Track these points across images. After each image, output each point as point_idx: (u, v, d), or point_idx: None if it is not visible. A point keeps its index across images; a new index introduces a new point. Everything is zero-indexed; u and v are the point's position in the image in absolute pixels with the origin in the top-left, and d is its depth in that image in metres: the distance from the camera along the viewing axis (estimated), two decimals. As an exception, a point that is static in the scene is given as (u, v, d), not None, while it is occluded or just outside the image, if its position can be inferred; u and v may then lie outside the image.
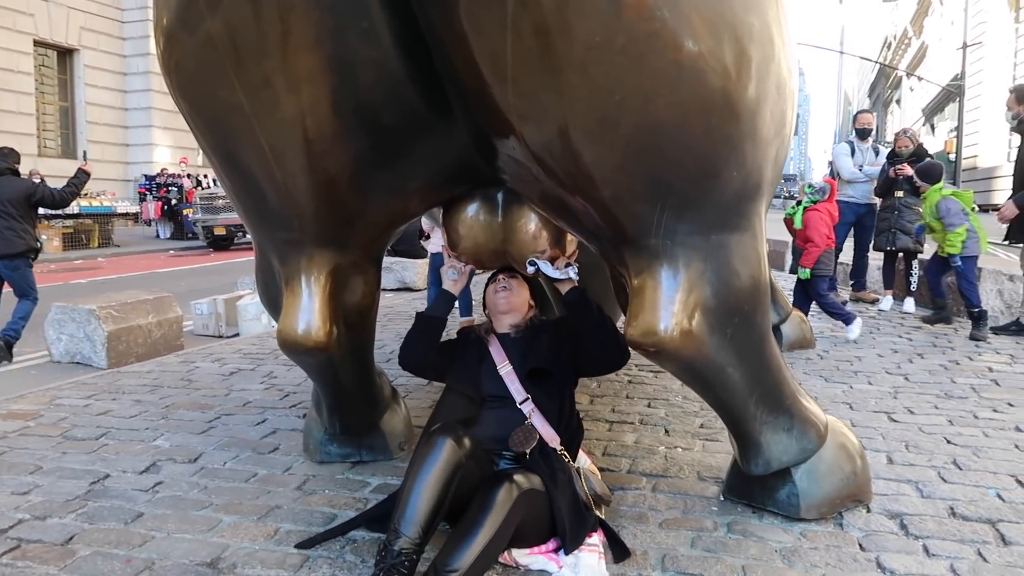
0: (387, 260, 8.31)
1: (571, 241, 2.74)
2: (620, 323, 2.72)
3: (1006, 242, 6.53)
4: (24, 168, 6.64)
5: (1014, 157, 5.83)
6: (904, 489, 2.86)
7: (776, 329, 4.98)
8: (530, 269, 2.63)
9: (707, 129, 1.91)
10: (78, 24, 21.35)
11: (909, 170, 6.42)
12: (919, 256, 6.88)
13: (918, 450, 3.28)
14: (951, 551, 2.38)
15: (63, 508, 2.75)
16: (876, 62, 43.05)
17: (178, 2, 1.97)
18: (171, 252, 17.08)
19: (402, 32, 1.94)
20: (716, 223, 2.14)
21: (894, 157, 6.84)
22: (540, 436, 2.43)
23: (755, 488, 2.66)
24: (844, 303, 7.11)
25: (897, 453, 3.24)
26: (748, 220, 2.23)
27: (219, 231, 16.76)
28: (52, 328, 5.87)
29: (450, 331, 2.92)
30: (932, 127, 35.58)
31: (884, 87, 52.39)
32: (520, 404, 2.51)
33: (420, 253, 8.83)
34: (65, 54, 21.51)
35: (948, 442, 3.38)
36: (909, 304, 6.87)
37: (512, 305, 2.72)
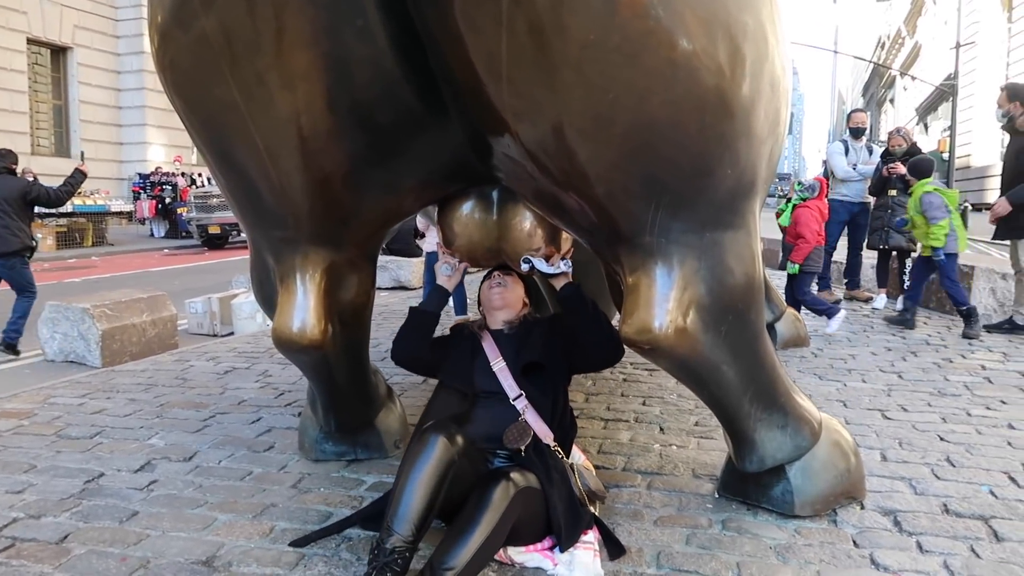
0: (382, 259, 8.29)
1: (566, 239, 2.75)
2: (615, 321, 2.72)
3: (995, 241, 6.56)
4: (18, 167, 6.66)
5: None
6: (898, 486, 2.87)
7: (770, 327, 4.99)
8: (524, 267, 2.64)
9: (701, 127, 1.91)
10: (72, 22, 21.27)
11: (902, 169, 6.44)
12: (912, 254, 6.91)
13: (911, 447, 3.29)
14: (944, 547, 2.40)
15: (57, 507, 2.75)
16: (870, 61, 43.15)
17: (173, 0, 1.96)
18: (165, 251, 17.03)
19: (397, 30, 1.94)
20: (710, 221, 2.15)
21: (888, 156, 6.87)
22: (534, 433, 2.43)
23: (750, 485, 2.67)
24: (838, 302, 7.14)
25: (891, 450, 3.26)
26: (742, 218, 2.24)
27: (213, 230, 16.71)
28: (46, 327, 5.85)
29: (444, 330, 2.92)
30: (925, 126, 35.69)
31: (878, 86, 52.55)
32: (513, 400, 2.51)
33: (415, 252, 8.83)
34: (59, 52, 21.42)
35: (941, 439, 3.40)
36: (903, 302, 6.89)
37: (506, 301, 2.72)
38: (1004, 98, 5.66)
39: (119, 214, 19.28)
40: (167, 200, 19.55)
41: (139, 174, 20.75)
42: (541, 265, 2.62)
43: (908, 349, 5.29)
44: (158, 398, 4.21)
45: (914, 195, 5.97)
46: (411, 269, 9.33)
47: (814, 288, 7.03)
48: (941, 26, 31.40)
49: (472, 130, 2.16)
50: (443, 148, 2.31)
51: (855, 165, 7.19)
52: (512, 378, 2.55)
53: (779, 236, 6.64)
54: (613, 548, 2.35)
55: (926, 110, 35.38)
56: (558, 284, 2.67)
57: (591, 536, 2.34)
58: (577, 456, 2.79)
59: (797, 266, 5.72)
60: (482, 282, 2.84)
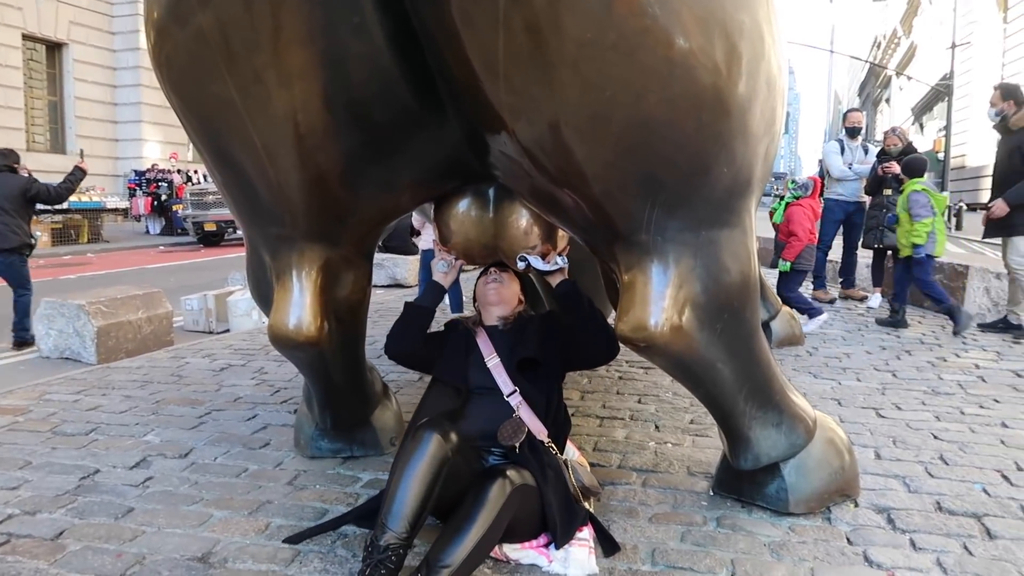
0: (378, 256, 8.30)
1: (562, 237, 2.75)
2: (611, 319, 2.73)
3: (985, 240, 6.59)
4: (12, 163, 6.68)
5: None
6: (891, 484, 2.89)
7: (766, 325, 5.01)
8: (520, 265, 2.64)
9: (698, 126, 1.92)
10: (67, 18, 21.20)
11: (897, 168, 6.46)
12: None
13: (905, 445, 3.31)
14: (937, 545, 2.41)
15: (53, 503, 2.75)
16: (866, 61, 43.18)
17: (169, -4, 1.96)
18: (161, 248, 17.00)
19: (394, 28, 1.94)
20: (706, 219, 2.16)
21: (884, 155, 6.89)
22: (528, 430, 2.43)
23: (744, 483, 2.68)
24: (833, 301, 7.17)
25: (885, 448, 3.27)
26: (738, 216, 2.25)
27: (209, 227, 16.67)
28: (41, 323, 5.84)
29: (439, 327, 2.92)
30: (921, 126, 35.77)
31: (874, 86, 52.63)
32: (508, 397, 2.51)
33: (411, 249, 8.83)
34: (54, 48, 21.36)
35: (935, 438, 3.41)
36: (891, 304, 6.92)
37: (502, 297, 2.73)
38: (998, 96, 5.66)
39: (115, 211, 19.25)
40: (163, 197, 19.49)
41: (135, 171, 20.68)
42: (537, 263, 2.63)
43: (902, 348, 5.31)
44: (154, 395, 4.20)
45: (903, 193, 6.01)
46: (407, 267, 9.33)
47: (809, 287, 7.07)
48: (937, 26, 31.46)
49: (469, 128, 2.16)
50: (440, 146, 2.31)
51: (851, 164, 7.21)
52: (506, 374, 2.55)
53: (773, 235, 6.66)
54: (608, 545, 2.36)
55: (922, 110, 35.46)
56: (554, 281, 2.68)
57: (586, 533, 2.35)
58: (571, 452, 2.79)
59: (789, 264, 5.74)
60: (478, 278, 2.85)
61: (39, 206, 7.08)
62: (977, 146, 26.29)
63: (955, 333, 5.70)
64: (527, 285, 2.98)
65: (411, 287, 8.99)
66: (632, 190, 2.03)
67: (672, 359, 2.29)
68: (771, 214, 6.12)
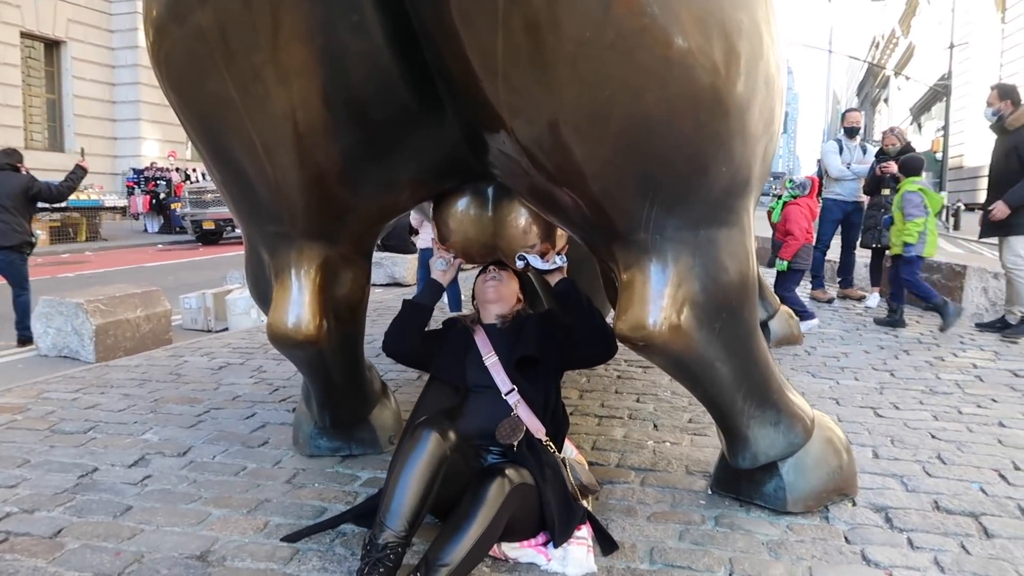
0: (377, 255, 8.30)
1: (561, 236, 2.75)
2: (609, 318, 2.73)
3: (982, 240, 6.60)
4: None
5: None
6: (889, 483, 2.89)
7: (764, 325, 5.01)
8: (519, 264, 2.64)
9: (696, 125, 1.92)
10: (65, 16, 21.17)
11: (895, 168, 6.47)
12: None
13: (903, 445, 3.31)
14: (935, 544, 2.42)
15: (51, 501, 2.75)
16: (864, 61, 43.27)
17: (168, -6, 1.96)
18: (159, 246, 16.98)
19: (393, 26, 1.94)
20: (705, 218, 2.16)
21: (882, 155, 6.90)
22: (527, 428, 2.44)
23: (742, 482, 2.69)
24: (831, 300, 7.18)
25: (882, 448, 3.28)
26: (736, 216, 2.25)
27: (208, 225, 16.65)
28: (39, 322, 5.84)
29: (437, 326, 2.92)
30: (919, 126, 35.82)
31: (872, 86, 52.66)
32: (506, 395, 2.51)
33: (410, 248, 8.83)
34: (52, 46, 21.32)
35: (933, 437, 3.42)
36: (888, 304, 6.93)
37: (500, 295, 2.73)
38: (995, 96, 5.66)
39: (113, 209, 19.19)
40: (161, 195, 19.46)
41: (133, 169, 20.65)
42: (536, 262, 2.63)
43: (900, 347, 5.32)
44: (152, 393, 4.20)
45: (899, 192, 6.04)
46: (406, 265, 9.33)
47: (808, 286, 7.07)
48: (935, 26, 31.49)
49: (468, 126, 2.16)
50: (439, 144, 2.31)
51: (849, 164, 7.21)
52: (504, 373, 2.55)
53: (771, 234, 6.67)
54: (606, 544, 2.36)
55: (920, 110, 35.51)
56: (553, 280, 2.68)
57: (584, 531, 2.35)
58: (569, 450, 2.80)
59: (786, 263, 5.75)
60: (477, 276, 2.85)
61: (40, 204, 7.10)
62: (975, 146, 26.32)
63: (941, 329, 5.74)
64: (526, 284, 2.98)
65: (410, 286, 8.99)
66: (630, 189, 2.04)
67: (670, 358, 2.30)
68: (769, 213, 6.13)
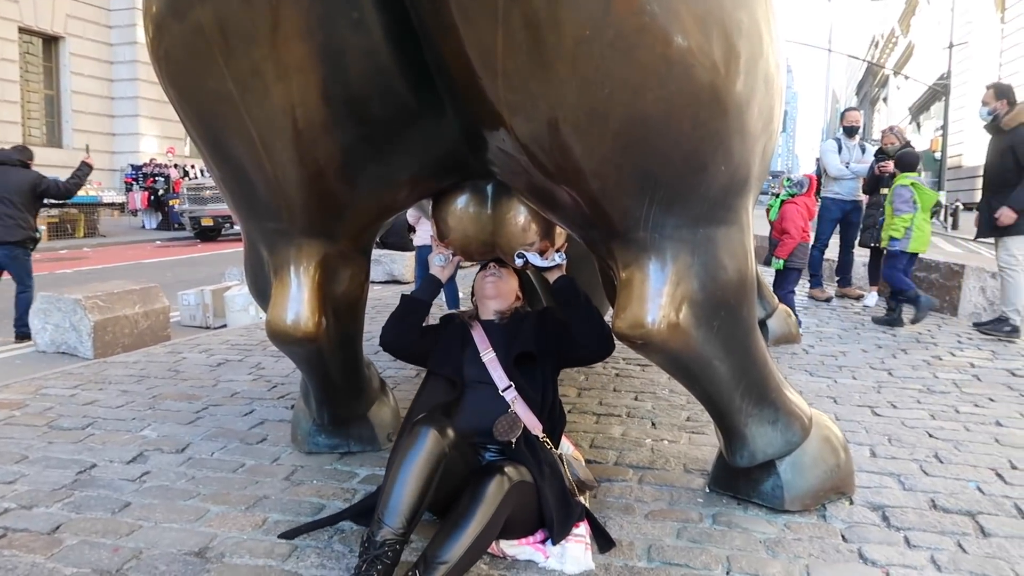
0: (376, 253, 8.28)
1: (560, 234, 2.75)
2: (608, 317, 2.73)
3: (978, 239, 6.63)
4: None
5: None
6: (886, 482, 2.90)
7: (762, 323, 5.02)
8: (518, 261, 2.64)
9: (695, 124, 1.92)
10: (64, 11, 21.11)
11: (893, 167, 6.48)
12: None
13: (900, 444, 3.32)
14: (932, 542, 2.42)
15: (49, 497, 2.75)
16: (864, 60, 43.24)
17: (168, -11, 1.96)
18: (158, 243, 16.96)
19: (393, 23, 1.94)
20: (703, 217, 2.16)
21: (881, 154, 6.90)
22: (524, 425, 2.44)
23: (740, 480, 2.69)
24: (829, 299, 7.19)
25: (880, 446, 3.28)
26: (735, 214, 2.25)
27: (206, 222, 16.63)
28: (37, 318, 5.83)
29: (434, 322, 2.92)
30: (918, 126, 35.83)
31: (871, 85, 52.68)
32: (503, 392, 2.51)
33: (409, 246, 8.82)
34: (50, 42, 21.26)
35: (930, 436, 3.43)
36: (888, 302, 6.94)
37: (499, 291, 2.73)
38: (991, 95, 5.65)
39: (111, 205, 19.17)
40: (160, 192, 19.43)
41: (132, 165, 20.61)
42: (535, 259, 2.63)
43: (898, 346, 5.33)
44: (150, 390, 4.20)
45: (892, 187, 6.08)
46: (404, 263, 9.32)
47: (806, 285, 7.07)
48: (935, 26, 31.50)
49: (467, 124, 2.16)
50: (438, 142, 2.31)
51: (848, 163, 7.22)
52: (501, 369, 2.55)
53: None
54: (603, 541, 2.37)
55: (919, 109, 35.52)
56: (552, 277, 2.68)
57: (583, 529, 2.36)
58: (566, 446, 2.80)
59: (782, 261, 5.76)
60: (477, 272, 2.85)
61: (44, 201, 7.15)
62: (974, 146, 26.34)
63: (913, 321, 5.83)
64: (525, 283, 2.98)
65: (408, 283, 8.98)
66: (629, 187, 2.04)
67: (669, 356, 2.30)
68: (768, 211, 6.13)
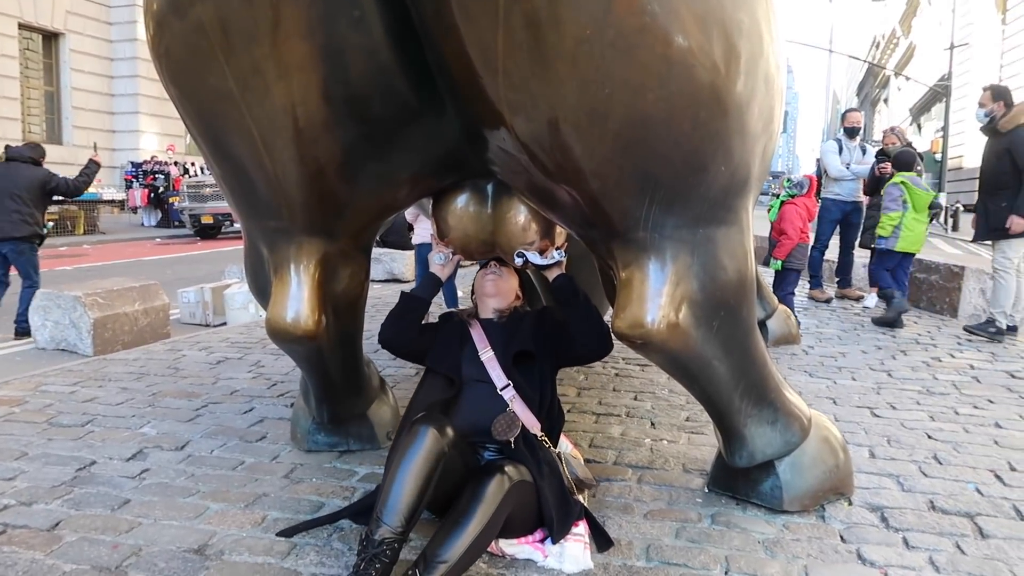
0: (376, 251, 8.28)
1: (560, 233, 2.75)
2: (608, 316, 2.73)
3: (974, 242, 6.65)
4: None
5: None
6: (885, 483, 2.90)
7: (762, 324, 5.02)
8: (518, 261, 2.64)
9: (695, 124, 1.92)
10: (64, 7, 21.10)
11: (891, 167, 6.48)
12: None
13: (899, 445, 3.32)
14: (930, 543, 2.43)
15: (49, 494, 2.75)
16: (865, 61, 43.22)
17: (169, -13, 1.96)
18: (157, 240, 16.96)
19: (394, 22, 1.94)
20: (703, 217, 2.16)
21: (882, 155, 6.90)
22: (523, 424, 2.43)
23: (739, 480, 2.69)
24: (829, 300, 7.20)
25: (879, 447, 3.29)
26: (735, 215, 2.25)
27: (206, 220, 16.62)
28: (37, 315, 5.83)
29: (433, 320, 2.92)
30: (919, 127, 35.82)
31: (872, 86, 52.66)
32: (501, 390, 2.51)
33: (409, 245, 8.81)
34: (50, 38, 21.25)
35: (929, 437, 3.43)
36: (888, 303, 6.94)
37: (499, 289, 2.73)
38: (988, 97, 5.63)
39: (111, 202, 19.17)
40: (160, 189, 19.43)
41: (132, 162, 20.62)
42: (535, 258, 2.63)
43: (898, 348, 5.33)
44: (150, 387, 4.20)
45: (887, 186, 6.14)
46: (405, 262, 9.33)
47: (806, 286, 7.07)
48: (936, 27, 31.49)
49: (467, 123, 2.16)
50: (439, 141, 2.31)
51: (848, 165, 7.22)
52: (500, 368, 2.55)
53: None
54: (602, 541, 2.37)
55: (919, 110, 35.52)
56: (551, 275, 2.68)
57: (582, 528, 2.36)
58: (565, 445, 2.80)
59: (780, 262, 5.76)
60: (478, 271, 2.86)
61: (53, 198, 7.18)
62: (974, 147, 26.30)
63: (877, 319, 6.00)
64: (525, 283, 2.98)
65: (408, 282, 8.98)
66: (629, 187, 2.04)
67: (668, 356, 2.30)
68: (769, 211, 6.14)
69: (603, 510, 2.63)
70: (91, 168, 6.93)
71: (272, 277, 2.57)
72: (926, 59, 33.99)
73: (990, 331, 5.60)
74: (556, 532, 2.27)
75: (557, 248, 2.70)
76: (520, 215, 2.61)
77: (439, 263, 2.80)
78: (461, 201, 2.66)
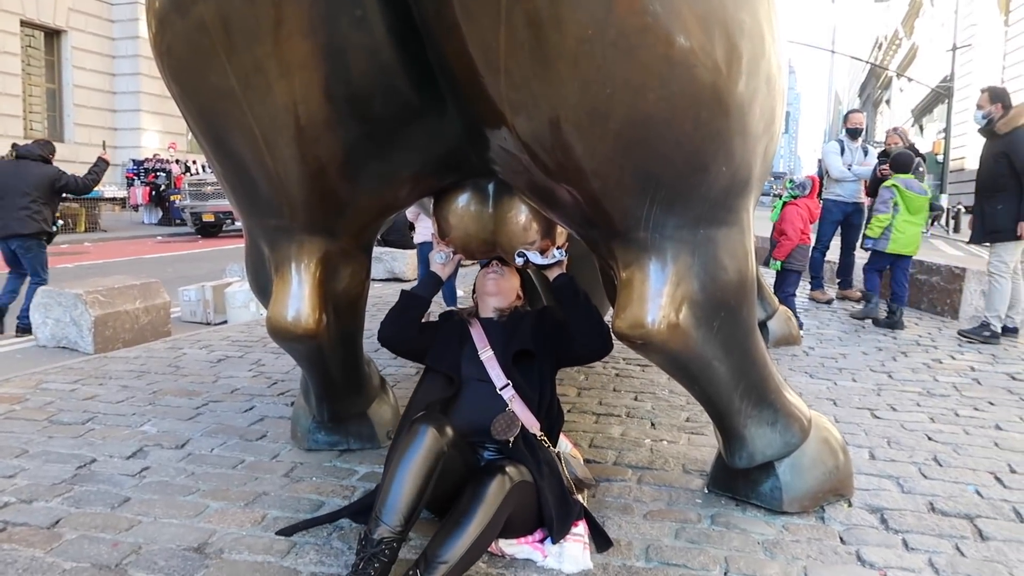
0: (377, 250, 8.30)
1: (561, 233, 2.75)
2: (608, 317, 2.73)
3: (970, 244, 6.69)
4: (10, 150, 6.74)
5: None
6: (885, 484, 2.90)
7: (762, 325, 5.02)
8: (519, 260, 2.64)
9: (697, 124, 1.92)
10: (66, 5, 21.12)
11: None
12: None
13: (899, 446, 3.32)
14: (930, 545, 2.42)
15: (49, 492, 2.75)
16: (867, 62, 43.18)
17: (171, -15, 1.96)
18: (159, 238, 16.96)
19: (395, 21, 1.94)
20: (704, 217, 2.16)
21: (884, 156, 6.90)
22: (522, 424, 2.43)
23: (739, 481, 2.69)
24: (830, 301, 7.19)
25: (879, 449, 3.29)
26: (736, 215, 2.25)
27: (208, 218, 16.63)
28: (38, 312, 5.83)
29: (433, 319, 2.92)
30: (921, 128, 35.77)
31: (874, 87, 52.62)
32: (500, 390, 2.51)
33: (410, 244, 8.83)
34: (52, 35, 21.28)
35: (929, 439, 3.43)
36: (888, 305, 6.93)
37: (500, 288, 2.72)
38: (986, 99, 5.61)
39: (112, 200, 19.18)
40: (161, 187, 19.43)
41: (133, 160, 20.62)
42: (535, 258, 2.63)
43: (898, 349, 5.33)
44: (151, 385, 4.21)
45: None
46: (406, 261, 9.33)
47: (807, 287, 7.07)
48: (938, 28, 31.46)
49: (469, 122, 2.16)
50: (440, 140, 2.31)
51: (850, 166, 7.21)
52: (499, 367, 2.55)
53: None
54: (601, 541, 2.37)
55: (922, 112, 35.47)
56: (552, 274, 2.68)
57: (581, 528, 2.36)
58: (564, 445, 2.80)
59: (779, 263, 5.76)
60: (479, 270, 2.85)
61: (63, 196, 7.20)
62: (976, 149, 26.19)
63: (852, 314, 6.27)
64: (526, 284, 2.98)
65: (409, 281, 8.99)
66: (630, 187, 2.04)
67: (669, 356, 2.30)
68: (772, 212, 6.15)
69: (603, 510, 2.63)
70: (100, 166, 6.96)
71: (273, 275, 2.57)
72: (928, 60, 33.96)
73: (984, 335, 5.60)
74: (556, 532, 2.27)
75: (558, 248, 2.70)
76: (521, 215, 2.61)
77: (440, 262, 2.79)
78: (462, 200, 2.66)
